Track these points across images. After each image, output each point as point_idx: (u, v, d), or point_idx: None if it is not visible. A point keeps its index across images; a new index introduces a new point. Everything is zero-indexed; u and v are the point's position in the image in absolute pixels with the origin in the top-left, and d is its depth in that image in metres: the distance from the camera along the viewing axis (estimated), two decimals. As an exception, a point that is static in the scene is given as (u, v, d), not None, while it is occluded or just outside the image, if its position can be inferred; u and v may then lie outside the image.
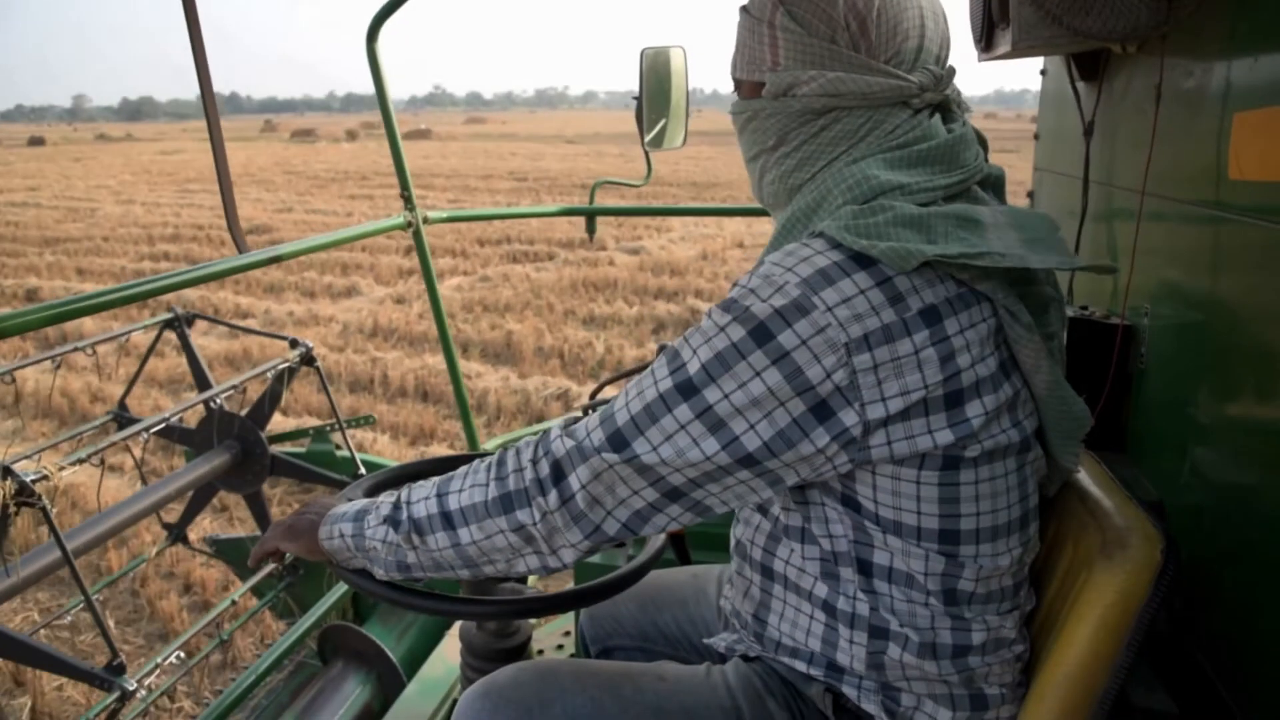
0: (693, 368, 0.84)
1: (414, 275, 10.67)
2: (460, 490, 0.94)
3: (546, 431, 0.93)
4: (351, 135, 51.33)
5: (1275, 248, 1.12)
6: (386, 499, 1.00)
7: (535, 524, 0.90)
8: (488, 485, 0.92)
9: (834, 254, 0.84)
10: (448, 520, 0.94)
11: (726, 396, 0.82)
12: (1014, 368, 0.89)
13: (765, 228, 13.80)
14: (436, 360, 7.03)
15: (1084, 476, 1.06)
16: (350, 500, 1.08)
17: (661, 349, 1.80)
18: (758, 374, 0.81)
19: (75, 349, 2.77)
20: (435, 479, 0.99)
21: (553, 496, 0.89)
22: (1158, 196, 1.48)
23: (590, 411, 1.85)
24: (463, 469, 0.97)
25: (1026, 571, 0.99)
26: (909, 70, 0.92)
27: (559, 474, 0.89)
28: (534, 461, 0.91)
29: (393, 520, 0.97)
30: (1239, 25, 1.25)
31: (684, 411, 0.84)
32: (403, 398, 6.47)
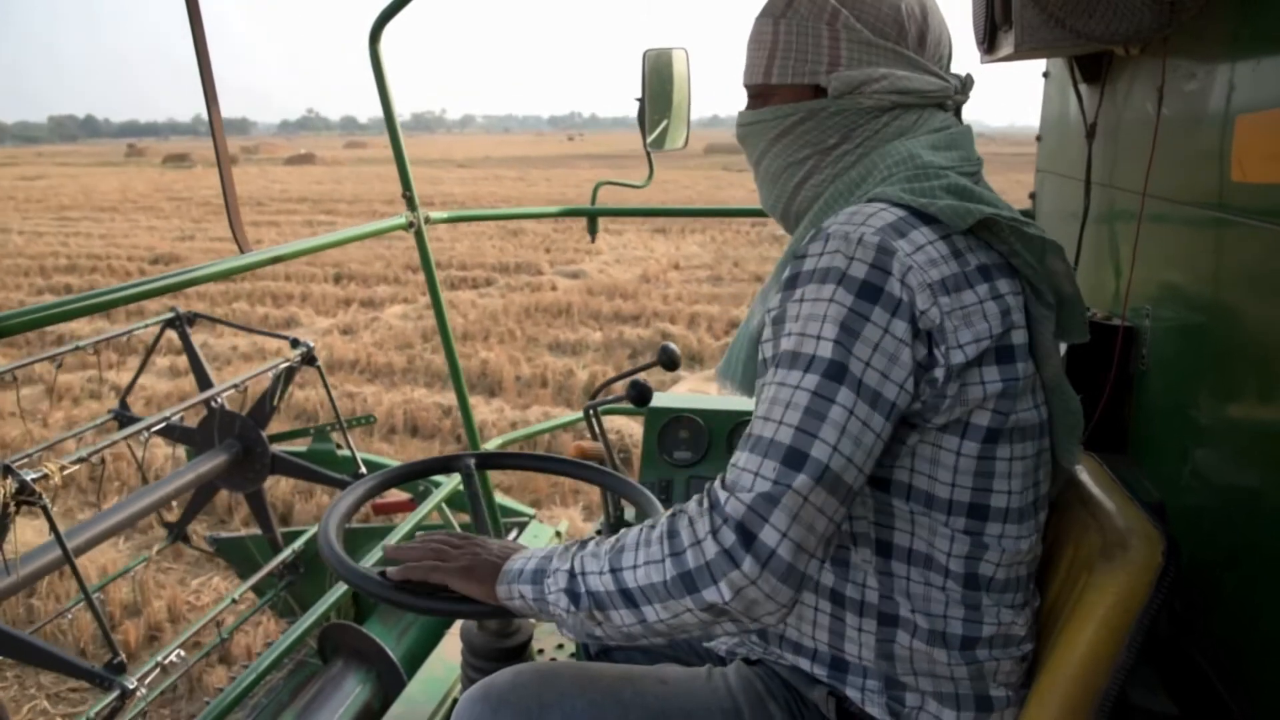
0: (825, 350, 0.82)
1: (353, 305, 10.31)
2: (635, 567, 0.85)
3: (711, 497, 0.84)
4: (231, 160, 50.08)
5: (1277, 249, 1.12)
6: (559, 563, 0.92)
7: (727, 602, 0.80)
8: (664, 563, 0.83)
9: (897, 210, 0.89)
10: (628, 598, 0.86)
11: (868, 364, 0.82)
12: (1031, 352, 0.92)
13: (695, 250, 13.77)
14: (420, 394, 6.77)
15: (1085, 477, 1.06)
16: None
17: (663, 350, 1.80)
18: (886, 330, 0.83)
19: (77, 348, 2.78)
20: (606, 546, 0.89)
21: (748, 564, 0.78)
22: (1160, 198, 1.48)
23: (592, 413, 1.85)
24: (632, 537, 0.88)
25: (1037, 568, 1.00)
26: (945, 73, 1.01)
27: (748, 536, 0.79)
28: (714, 533, 0.80)
29: (571, 593, 0.89)
30: (1242, 28, 1.25)
31: (845, 395, 0.80)
32: (394, 434, 6.13)
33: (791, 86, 1.00)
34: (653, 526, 0.87)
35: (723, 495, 0.82)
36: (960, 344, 0.85)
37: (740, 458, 0.83)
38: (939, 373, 0.85)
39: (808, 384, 0.81)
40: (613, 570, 0.87)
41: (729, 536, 0.79)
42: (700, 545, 0.81)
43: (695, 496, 0.87)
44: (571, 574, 0.90)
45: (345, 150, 65.59)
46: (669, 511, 0.89)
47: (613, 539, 0.91)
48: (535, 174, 33.26)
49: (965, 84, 1.01)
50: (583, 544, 0.93)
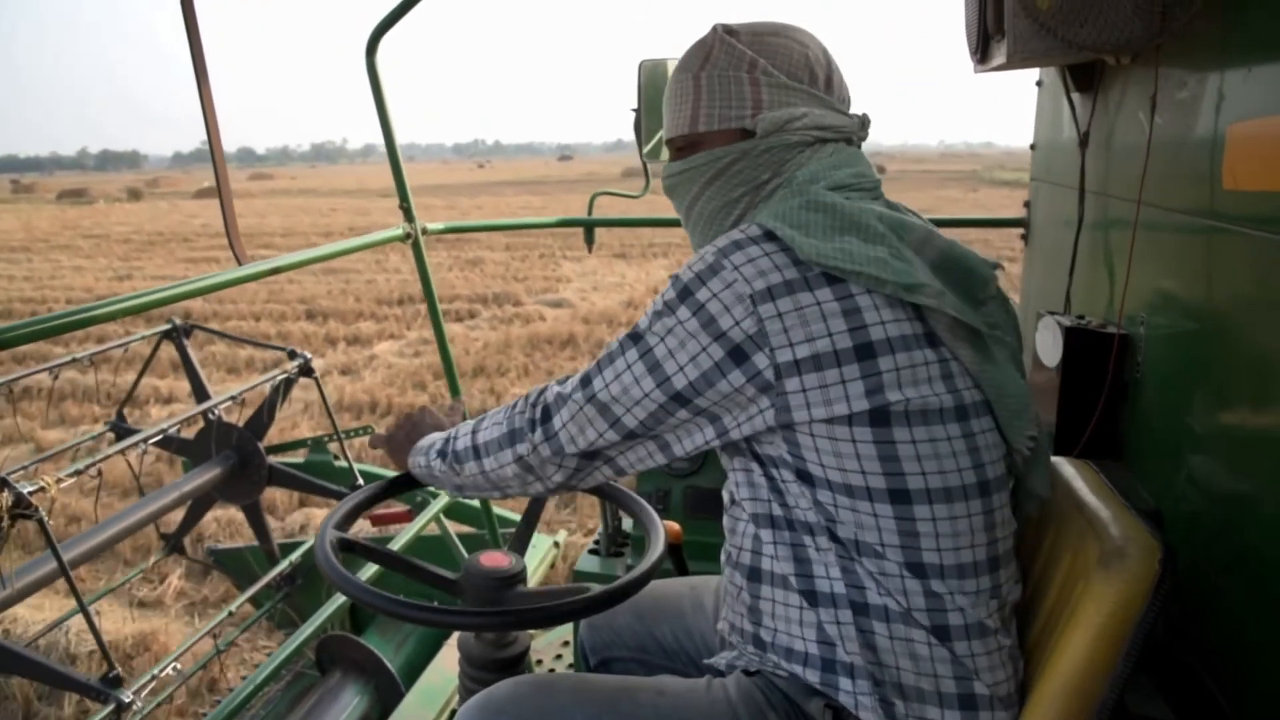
0: (642, 324, 1.01)
1: (340, 343, 9.78)
2: (487, 426, 1.13)
3: (547, 385, 1.09)
4: (135, 194, 46.06)
5: (1270, 257, 1.13)
6: (441, 436, 1.21)
7: (528, 455, 1.07)
8: (503, 423, 1.11)
9: (752, 230, 0.98)
10: (476, 451, 1.13)
11: (662, 339, 0.98)
12: (934, 340, 0.94)
13: (663, 275, 13.14)
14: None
15: (1081, 486, 1.06)
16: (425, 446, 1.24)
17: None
18: (681, 322, 0.96)
19: (74, 360, 2.77)
20: (482, 416, 1.16)
21: (538, 434, 1.06)
22: (1153, 206, 1.48)
23: None
24: (496, 408, 1.15)
25: (1002, 554, 1.00)
26: (849, 112, 1.12)
27: (546, 415, 1.06)
28: (532, 404, 1.08)
29: (442, 452, 1.18)
30: (1232, 36, 1.26)
31: (631, 354, 1.00)
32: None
33: (719, 132, 1.08)
34: (513, 403, 1.13)
35: (551, 384, 1.09)
36: (791, 343, 0.91)
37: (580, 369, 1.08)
38: (768, 374, 0.93)
39: (621, 337, 1.03)
40: (474, 430, 1.15)
41: (538, 411, 1.07)
42: (523, 412, 1.09)
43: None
44: (446, 439, 1.19)
45: (252, 182, 62.06)
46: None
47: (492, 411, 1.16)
48: (464, 202, 32.08)
49: (864, 122, 1.12)
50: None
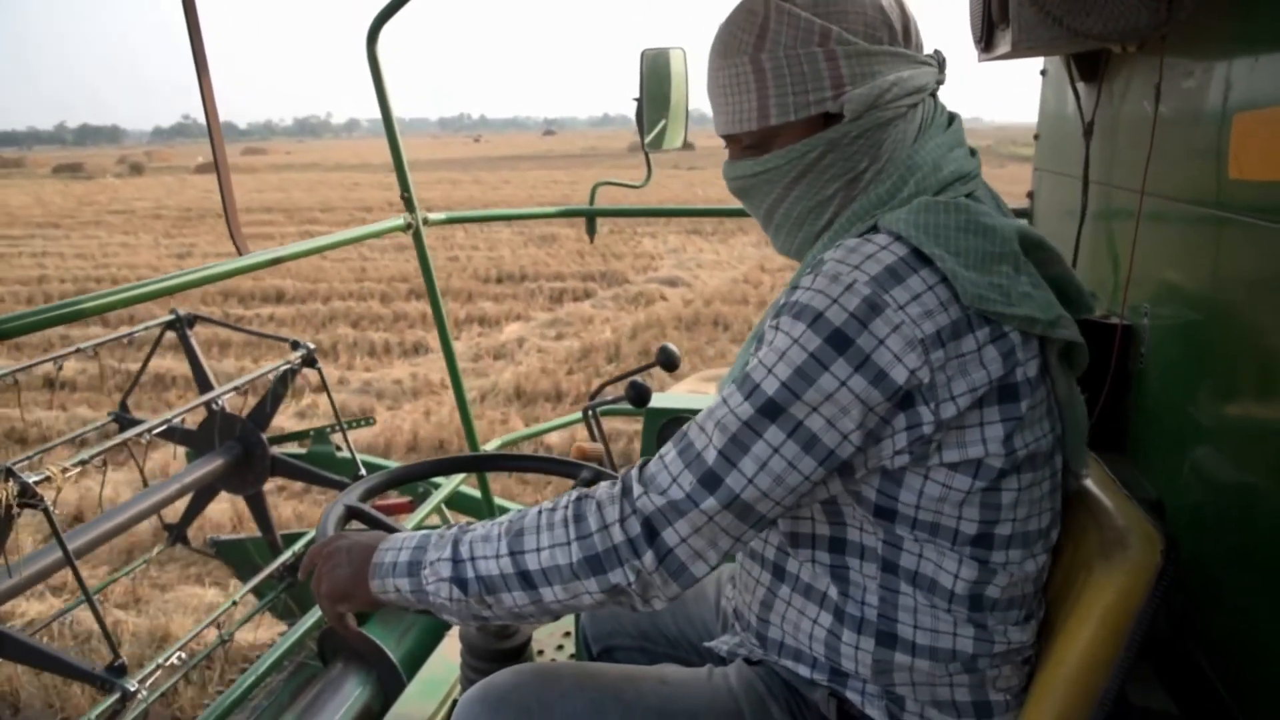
0: (771, 387, 0.82)
1: (472, 324, 9.44)
2: (539, 550, 0.88)
3: (624, 484, 0.88)
4: (137, 169, 44.93)
5: (1275, 247, 1.12)
6: (437, 552, 0.93)
7: (630, 584, 0.86)
8: (569, 545, 0.87)
9: (898, 248, 0.84)
10: (526, 580, 0.89)
11: (815, 410, 0.81)
12: (1046, 372, 0.90)
13: (753, 251, 12.63)
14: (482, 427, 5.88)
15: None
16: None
17: (662, 350, 1.80)
18: (843, 383, 0.80)
19: (78, 350, 2.77)
20: (499, 529, 0.92)
21: (648, 557, 0.85)
22: (1158, 196, 1.48)
23: (592, 414, 1.85)
24: (531, 520, 0.91)
25: (1044, 578, 0.99)
26: (928, 58, 0.96)
27: (652, 533, 0.85)
28: (621, 520, 0.86)
29: (457, 580, 0.91)
30: (1239, 25, 1.25)
31: (774, 434, 0.81)
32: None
33: (797, 123, 0.91)
34: (553, 509, 0.90)
35: (637, 489, 0.86)
36: (953, 395, 0.82)
37: (668, 455, 0.86)
38: (927, 428, 0.82)
39: (743, 412, 0.83)
40: (512, 553, 0.89)
41: (635, 528, 0.85)
42: (608, 530, 0.86)
43: (606, 482, 0.90)
44: (456, 559, 0.92)
45: (244, 158, 58.83)
46: (573, 495, 0.91)
47: (503, 521, 0.93)
48: (489, 177, 31.00)
49: (942, 63, 0.97)
50: (462, 529, 0.94)
